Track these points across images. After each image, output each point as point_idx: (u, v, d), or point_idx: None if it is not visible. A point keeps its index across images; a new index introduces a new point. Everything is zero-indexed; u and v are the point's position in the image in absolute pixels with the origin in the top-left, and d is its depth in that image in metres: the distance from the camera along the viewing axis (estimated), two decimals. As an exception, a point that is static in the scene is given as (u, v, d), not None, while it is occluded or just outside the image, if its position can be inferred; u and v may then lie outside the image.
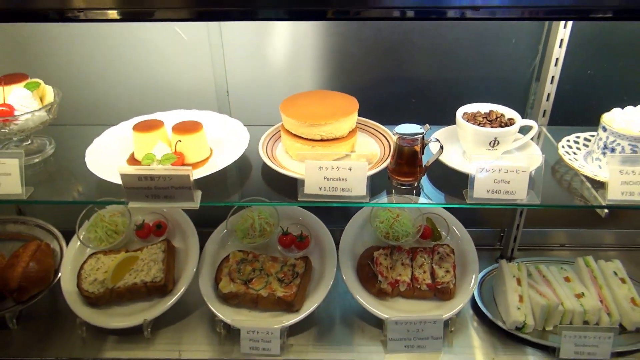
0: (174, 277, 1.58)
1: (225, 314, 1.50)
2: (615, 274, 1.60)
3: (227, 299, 1.53)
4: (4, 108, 1.24)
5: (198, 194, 1.18)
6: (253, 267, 1.57)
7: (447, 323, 1.50)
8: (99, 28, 1.47)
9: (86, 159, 1.28)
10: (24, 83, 1.29)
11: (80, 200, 1.33)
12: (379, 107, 1.51)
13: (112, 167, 1.23)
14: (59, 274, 1.60)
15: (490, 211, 1.81)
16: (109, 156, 1.33)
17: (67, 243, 1.66)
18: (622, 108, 1.24)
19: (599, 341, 1.41)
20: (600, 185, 1.22)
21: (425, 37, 1.50)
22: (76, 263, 1.61)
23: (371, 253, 1.59)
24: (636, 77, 1.49)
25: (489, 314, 1.54)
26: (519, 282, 1.57)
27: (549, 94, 1.44)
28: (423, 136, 1.18)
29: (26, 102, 1.27)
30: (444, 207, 1.65)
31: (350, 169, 1.16)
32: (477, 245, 1.63)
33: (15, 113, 1.26)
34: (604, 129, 1.23)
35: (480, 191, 1.16)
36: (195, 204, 1.17)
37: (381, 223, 1.61)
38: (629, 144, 1.19)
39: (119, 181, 1.15)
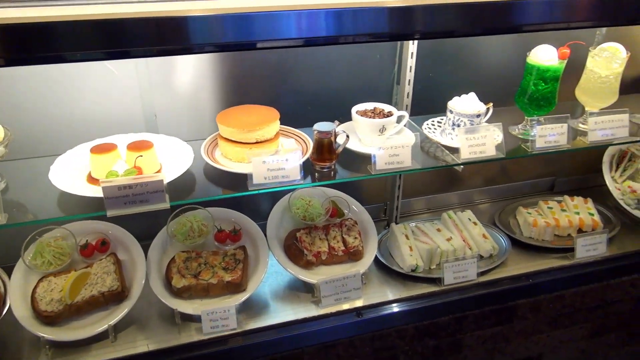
0: (128, 284, 1.76)
1: (181, 306, 1.73)
2: (469, 219, 2.18)
3: (181, 293, 1.76)
4: (-34, 146, 1.36)
5: (168, 196, 1.43)
6: (198, 262, 1.82)
7: (362, 279, 1.91)
8: (37, 70, 1.61)
9: (50, 178, 1.45)
10: (-21, 122, 1.41)
11: (53, 218, 1.47)
12: (284, 115, 1.87)
13: (73, 185, 1.44)
14: (8, 304, 1.67)
15: (373, 189, 2.28)
16: (67, 176, 1.50)
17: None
18: (459, 96, 1.78)
19: (468, 266, 1.94)
20: (454, 151, 1.75)
21: (311, 58, 1.91)
22: (25, 290, 1.70)
23: (294, 234, 1.95)
24: (462, 75, 2.08)
25: (389, 265, 1.99)
26: (407, 237, 2.05)
27: (408, 93, 1.95)
28: (335, 130, 1.59)
29: (-16, 139, 1.39)
30: (344, 186, 2.08)
31: (286, 160, 1.52)
32: (374, 217, 2.09)
33: (-23, 149, 1.37)
34: (451, 112, 1.77)
35: (380, 164, 1.60)
36: (167, 204, 1.42)
37: (298, 209, 1.97)
38: (468, 120, 1.73)
39: (82, 194, 1.35)
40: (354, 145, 1.72)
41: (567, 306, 2.12)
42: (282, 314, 1.80)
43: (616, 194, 2.28)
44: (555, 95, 1.81)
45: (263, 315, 1.79)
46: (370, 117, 1.70)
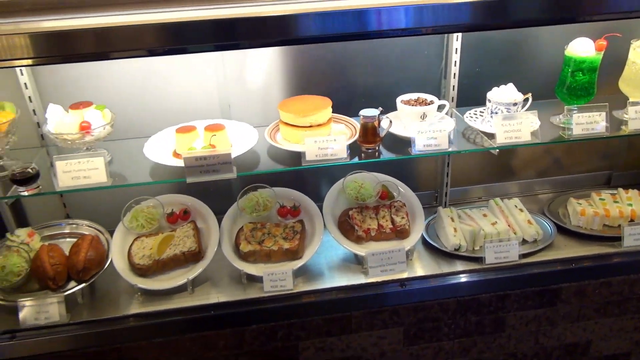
0: (204, 247, 2.09)
1: (246, 268, 2.02)
2: (516, 206, 2.29)
3: (247, 257, 2.05)
4: (84, 124, 1.74)
5: (235, 168, 1.73)
6: (262, 232, 2.11)
7: (408, 255, 2.10)
8: (132, 65, 2.00)
9: (145, 152, 1.81)
10: (94, 106, 1.80)
11: (146, 182, 1.83)
12: (339, 105, 2.11)
13: (162, 158, 1.79)
14: (110, 258, 2.05)
15: (424, 177, 2.46)
16: (157, 152, 1.86)
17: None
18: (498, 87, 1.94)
19: (510, 248, 2.06)
20: (492, 137, 1.90)
21: (364, 55, 2.15)
22: (123, 247, 2.07)
23: (347, 212, 2.18)
24: (507, 69, 2.21)
25: (434, 244, 2.16)
26: (452, 219, 2.21)
27: (453, 85, 2.13)
28: (379, 115, 1.82)
29: (98, 120, 1.78)
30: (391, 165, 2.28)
31: (335, 140, 1.76)
32: (423, 204, 2.27)
33: (92, 127, 1.76)
34: (489, 101, 1.92)
35: (419, 146, 1.80)
36: (234, 174, 1.72)
37: (351, 190, 2.21)
38: (505, 108, 1.88)
39: (168, 164, 1.69)
40: (398, 130, 1.93)
41: (615, 294, 2.16)
42: (334, 280, 2.04)
43: (673, 187, 2.28)
44: (593, 85, 1.90)
45: (316, 281, 2.04)
46: (412, 105, 1.90)
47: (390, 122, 1.86)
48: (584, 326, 2.24)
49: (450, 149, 1.82)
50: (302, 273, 2.06)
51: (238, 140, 1.94)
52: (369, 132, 1.83)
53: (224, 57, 2.04)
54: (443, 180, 2.37)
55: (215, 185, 2.23)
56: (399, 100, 1.95)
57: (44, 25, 1.44)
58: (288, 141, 1.93)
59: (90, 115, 1.77)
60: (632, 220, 2.21)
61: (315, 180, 2.38)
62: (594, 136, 1.87)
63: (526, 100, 1.94)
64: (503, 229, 2.15)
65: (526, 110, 1.95)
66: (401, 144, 1.94)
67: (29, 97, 1.93)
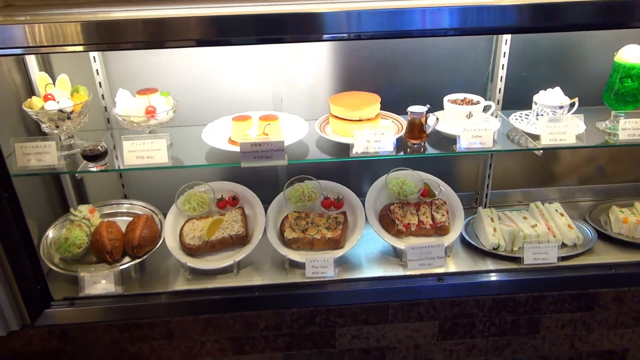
0: (250, 232, 2.19)
1: (290, 254, 2.11)
2: (556, 210, 2.31)
3: (290, 244, 2.14)
4: (150, 108, 1.87)
5: (286, 155, 1.83)
6: (306, 221, 2.20)
7: (446, 252, 2.15)
8: (193, 58, 2.13)
9: (203, 137, 1.93)
10: (159, 93, 1.93)
11: (203, 164, 1.96)
12: (386, 103, 2.18)
13: (218, 144, 1.91)
14: (162, 237, 2.18)
15: (466, 178, 2.51)
16: (214, 138, 1.98)
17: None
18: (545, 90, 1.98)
19: (549, 250, 2.09)
20: (537, 139, 1.94)
21: (414, 56, 2.22)
22: (175, 227, 2.19)
23: (388, 207, 2.25)
24: (554, 75, 2.24)
25: (473, 242, 2.21)
26: (492, 220, 2.26)
27: (500, 88, 2.18)
28: (426, 112, 1.88)
29: (163, 105, 1.91)
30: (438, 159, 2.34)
31: (382, 134, 1.84)
32: (464, 205, 2.32)
33: (157, 112, 1.89)
34: (535, 103, 1.97)
35: (464, 144, 1.86)
36: (285, 161, 1.82)
37: (394, 186, 2.28)
38: (551, 111, 1.92)
39: (225, 149, 1.80)
40: (443, 128, 2.00)
41: (655, 303, 2.16)
42: (372, 271, 2.11)
43: None
44: (640, 92, 1.93)
45: (356, 270, 2.11)
46: (459, 105, 1.96)
47: (437, 119, 1.93)
48: (621, 334, 2.24)
49: (494, 148, 1.87)
50: (342, 262, 2.14)
51: (289, 131, 2.04)
52: (416, 128, 1.90)
53: (278, 52, 2.15)
54: (484, 182, 2.41)
55: (263, 175, 2.37)
56: (446, 99, 2.01)
57: (113, 15, 1.57)
58: (337, 134, 2.01)
59: (156, 101, 1.90)
60: (676, 231, 2.20)
61: (359, 175, 2.46)
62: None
63: (572, 104, 1.98)
64: (543, 231, 2.17)
65: (572, 114, 1.98)
66: (446, 141, 2.00)
67: (99, 82, 2.09)
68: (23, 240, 1.85)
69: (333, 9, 1.53)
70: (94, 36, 1.56)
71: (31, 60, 2.01)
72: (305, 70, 2.22)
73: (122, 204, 2.33)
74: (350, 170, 2.46)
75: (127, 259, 2.12)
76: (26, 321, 1.99)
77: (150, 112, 1.87)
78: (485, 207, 2.46)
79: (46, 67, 2.10)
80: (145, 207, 2.30)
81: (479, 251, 2.19)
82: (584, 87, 2.13)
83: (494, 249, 2.16)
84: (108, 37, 1.56)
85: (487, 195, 2.44)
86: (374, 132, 1.83)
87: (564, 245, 2.19)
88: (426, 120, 1.91)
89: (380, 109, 2.07)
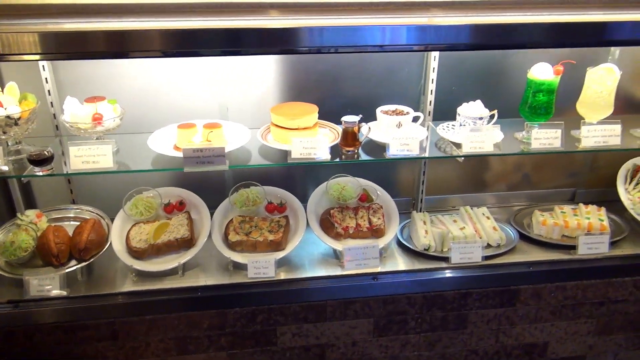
0: (195, 236, 2.28)
1: (233, 256, 2.21)
2: (483, 214, 2.50)
3: (234, 247, 2.24)
4: (97, 115, 1.96)
5: (227, 161, 1.94)
6: (250, 224, 2.31)
7: (382, 253, 2.30)
8: (142, 67, 2.23)
9: (149, 143, 2.02)
10: (106, 100, 2.02)
11: (147, 169, 2.05)
12: (327, 113, 2.33)
13: (163, 150, 2.00)
14: (109, 241, 2.24)
15: (403, 185, 2.68)
16: (160, 145, 2.07)
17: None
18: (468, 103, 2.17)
19: (474, 250, 2.27)
20: (459, 147, 2.12)
21: (352, 70, 2.38)
22: (122, 231, 2.26)
23: (328, 211, 2.39)
24: (474, 87, 2.43)
25: (407, 244, 2.37)
26: (424, 223, 2.42)
27: (430, 101, 2.36)
28: (358, 122, 2.04)
29: (108, 112, 1.99)
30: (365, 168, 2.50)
31: (318, 141, 1.98)
32: (400, 210, 2.49)
33: (104, 119, 1.97)
34: (459, 115, 2.15)
35: (393, 151, 2.02)
36: (226, 167, 1.93)
37: (334, 192, 2.42)
38: (472, 121, 2.11)
39: (169, 154, 1.91)
40: (376, 136, 2.16)
41: (569, 298, 2.36)
42: (312, 271, 2.23)
43: (627, 203, 2.50)
44: (551, 105, 2.14)
45: (297, 271, 2.23)
46: (390, 115, 2.13)
47: (369, 128, 2.09)
48: (541, 328, 2.43)
49: (421, 155, 2.04)
50: (284, 264, 2.26)
51: (233, 138, 2.16)
52: (349, 136, 2.05)
53: (226, 64, 2.27)
54: (419, 188, 2.58)
55: (210, 181, 2.47)
56: (379, 110, 2.17)
57: (65, 26, 1.66)
58: (278, 142, 2.14)
59: (103, 108, 1.99)
60: (589, 233, 2.41)
61: (303, 181, 2.59)
62: (550, 150, 2.10)
63: (492, 116, 2.17)
64: (470, 233, 2.35)
65: (493, 124, 2.17)
66: (379, 149, 2.16)
67: (48, 90, 2.15)
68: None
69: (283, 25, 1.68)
70: (42, 46, 1.64)
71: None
72: (251, 81, 2.34)
73: (71, 208, 2.38)
74: (294, 176, 2.59)
75: (73, 262, 2.17)
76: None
77: (97, 119, 1.95)
78: (419, 211, 2.63)
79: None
80: (92, 212, 2.36)
81: (412, 252, 2.35)
82: (505, 100, 2.34)
83: (425, 249, 2.32)
84: (55, 48, 1.65)
85: (422, 200, 2.61)
86: (310, 139, 1.97)
87: (489, 245, 2.37)
88: (359, 129, 2.06)
89: (321, 119, 2.22)
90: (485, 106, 2.19)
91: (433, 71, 2.30)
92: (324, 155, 2.00)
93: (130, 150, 2.17)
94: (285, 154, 2.06)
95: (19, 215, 2.20)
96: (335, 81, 2.40)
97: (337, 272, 2.23)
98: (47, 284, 2.06)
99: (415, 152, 2.03)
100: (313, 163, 2.01)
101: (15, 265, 2.14)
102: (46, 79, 2.13)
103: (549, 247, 2.39)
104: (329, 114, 2.31)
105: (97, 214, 2.36)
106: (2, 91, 1.99)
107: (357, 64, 2.37)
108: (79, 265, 2.14)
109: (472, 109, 2.12)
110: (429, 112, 2.39)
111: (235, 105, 2.37)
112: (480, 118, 2.11)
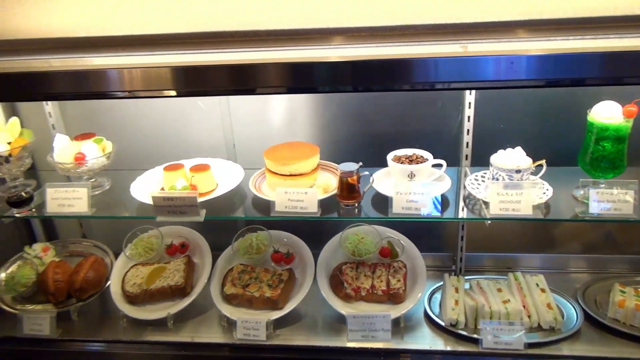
0: (192, 283, 2.09)
1: (227, 310, 1.98)
2: (537, 285, 1.98)
3: (230, 299, 2.02)
4: (78, 155, 1.86)
5: (203, 212, 1.72)
6: (250, 276, 2.06)
7: (399, 322, 1.91)
8: (141, 102, 2.10)
9: (131, 190, 1.87)
10: (92, 139, 1.91)
11: (124, 216, 1.90)
12: (346, 154, 2.00)
13: (145, 194, 1.81)
14: (109, 281, 2.14)
15: (443, 237, 2.24)
16: (147, 189, 1.91)
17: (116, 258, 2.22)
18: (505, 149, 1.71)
19: (514, 333, 1.78)
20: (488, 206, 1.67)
21: (378, 104, 2.03)
22: (122, 272, 2.16)
23: (340, 266, 2.06)
24: (524, 126, 1.96)
25: (431, 314, 1.95)
26: (456, 290, 1.98)
27: (467, 142, 1.92)
28: (357, 170, 1.69)
29: (93, 152, 1.88)
30: (383, 225, 2.11)
31: (306, 193, 1.67)
32: (438, 267, 2.10)
33: (86, 159, 1.87)
34: (491, 165, 1.70)
35: (397, 208, 1.64)
36: (201, 218, 1.71)
37: (349, 244, 2.08)
38: (507, 175, 1.65)
39: (145, 201, 1.71)
40: (384, 189, 1.78)
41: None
42: (311, 337, 1.92)
43: None
44: (621, 157, 1.59)
45: (294, 335, 1.93)
46: (403, 163, 1.74)
47: (373, 179, 1.72)
48: None
49: (429, 215, 1.63)
50: (282, 324, 1.97)
51: (225, 181, 1.93)
52: (345, 187, 1.70)
53: (231, 101, 2.07)
54: (457, 245, 2.13)
55: (220, 220, 2.26)
56: (390, 155, 1.80)
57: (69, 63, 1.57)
58: (271, 189, 1.87)
59: (87, 148, 1.88)
60: (688, 324, 1.79)
61: (325, 224, 2.28)
62: (616, 218, 1.56)
63: (539, 167, 1.68)
64: (514, 309, 1.87)
65: (538, 177, 1.68)
66: (386, 201, 1.78)
67: (52, 124, 2.11)
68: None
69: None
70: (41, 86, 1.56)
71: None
72: (259, 118, 2.11)
73: (81, 242, 2.34)
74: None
75: (73, 300, 2.10)
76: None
77: (79, 159, 1.86)
78: (460, 271, 2.18)
79: (12, 107, 2.17)
80: (99, 248, 2.29)
81: (438, 326, 1.92)
82: (568, 143, 1.82)
83: (451, 325, 1.88)
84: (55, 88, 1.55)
85: (461, 259, 2.16)
86: (297, 190, 1.67)
87: (540, 328, 1.86)
88: (359, 179, 1.71)
89: (341, 160, 1.87)
90: (536, 152, 1.70)
91: (469, 107, 1.86)
92: (313, 209, 1.68)
93: (122, 190, 2.04)
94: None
95: (26, 248, 2.19)
96: (361, 116, 2.06)
97: (340, 343, 1.89)
98: (39, 324, 2.01)
99: (424, 210, 1.63)
100: (300, 218, 1.70)
101: (19, 300, 2.13)
102: (49, 113, 2.10)
103: (626, 338, 1.81)
104: (349, 155, 1.95)
105: (102, 249, 2.28)
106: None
107: (378, 98, 2.02)
108: (73, 305, 2.08)
109: (508, 159, 1.66)
110: (466, 155, 1.94)
111: (241, 143, 2.15)
112: (518, 171, 1.64)
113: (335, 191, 1.78)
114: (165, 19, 1.60)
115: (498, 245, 2.24)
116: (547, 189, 1.70)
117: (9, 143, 1.89)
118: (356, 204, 1.75)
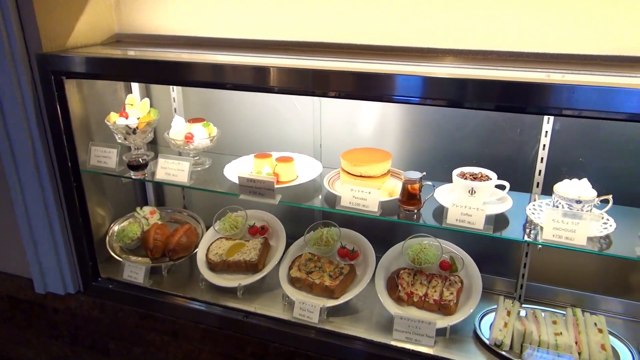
0: (265, 262, 2.34)
1: (290, 291, 2.19)
2: (595, 324, 1.94)
3: (294, 282, 2.22)
4: (188, 135, 2.19)
5: (278, 196, 1.95)
6: (315, 264, 2.25)
7: (446, 332, 1.98)
8: (247, 96, 2.40)
9: (224, 171, 2.17)
10: (202, 123, 2.24)
11: (214, 190, 2.19)
12: (422, 166, 2.11)
13: (236, 174, 2.10)
14: (197, 248, 2.46)
15: (509, 263, 2.26)
16: (238, 171, 2.19)
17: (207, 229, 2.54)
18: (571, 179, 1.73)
19: (557, 365, 1.78)
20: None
21: (460, 123, 2.13)
22: (208, 242, 2.46)
23: (398, 270, 2.17)
24: (601, 159, 1.94)
25: (478, 331, 1.99)
26: (508, 313, 2.00)
27: (540, 170, 1.95)
28: (420, 179, 1.82)
29: (200, 134, 2.21)
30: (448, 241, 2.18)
31: (369, 192, 1.84)
32: (500, 291, 2.20)
33: (194, 139, 2.20)
34: (553, 193, 1.73)
35: (451, 219, 1.74)
36: (275, 201, 1.95)
37: (411, 251, 2.19)
38: (567, 204, 1.67)
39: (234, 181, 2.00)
40: (443, 199, 1.88)
41: None
42: (358, 329, 2.06)
43: None
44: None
45: (343, 323, 2.08)
46: (466, 179, 1.84)
47: (434, 188, 1.84)
48: None
49: (479, 230, 1.70)
50: (336, 313, 2.13)
51: (306, 174, 2.16)
52: (407, 194, 1.84)
53: (323, 104, 2.29)
54: (519, 272, 2.14)
55: (302, 211, 2.49)
56: (456, 171, 1.90)
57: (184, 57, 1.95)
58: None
59: (196, 130, 2.21)
60: None
61: (392, 231, 2.40)
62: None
63: (605, 202, 1.68)
64: (565, 343, 1.85)
65: (604, 211, 1.68)
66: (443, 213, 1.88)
67: (175, 108, 2.50)
68: (84, 223, 2.33)
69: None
70: (168, 74, 1.93)
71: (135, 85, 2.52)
72: (345, 121, 2.30)
73: (181, 211, 2.71)
74: (387, 223, 2.40)
75: (166, 258, 2.45)
76: (80, 288, 2.47)
77: (188, 138, 2.19)
78: (519, 299, 2.18)
79: (148, 90, 2.59)
80: (192, 217, 2.63)
81: (483, 345, 1.97)
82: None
83: (496, 344, 1.92)
84: (180, 76, 1.92)
85: (522, 286, 2.16)
86: (361, 189, 1.84)
87: (589, 368, 1.83)
88: (420, 187, 1.83)
89: (420, 169, 1.96)
90: (609, 189, 1.70)
91: (545, 136, 1.90)
92: (374, 209, 1.83)
93: (218, 170, 2.34)
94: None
95: (137, 209, 2.59)
96: (445, 132, 2.16)
97: (384, 339, 2.01)
98: (136, 272, 2.38)
99: (477, 225, 1.70)
100: (361, 215, 1.86)
101: (125, 251, 2.52)
102: (174, 98, 2.48)
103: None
104: (423, 166, 2.08)
105: (197, 220, 2.62)
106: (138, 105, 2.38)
107: (459, 116, 2.11)
108: (164, 263, 2.41)
109: (570, 188, 1.68)
110: (537, 183, 1.97)
111: (328, 143, 2.36)
112: (579, 201, 1.65)
113: (398, 196, 1.92)
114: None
115: (565, 280, 2.20)
116: (610, 225, 1.69)
117: (138, 118, 2.27)
118: (415, 211, 1.87)
